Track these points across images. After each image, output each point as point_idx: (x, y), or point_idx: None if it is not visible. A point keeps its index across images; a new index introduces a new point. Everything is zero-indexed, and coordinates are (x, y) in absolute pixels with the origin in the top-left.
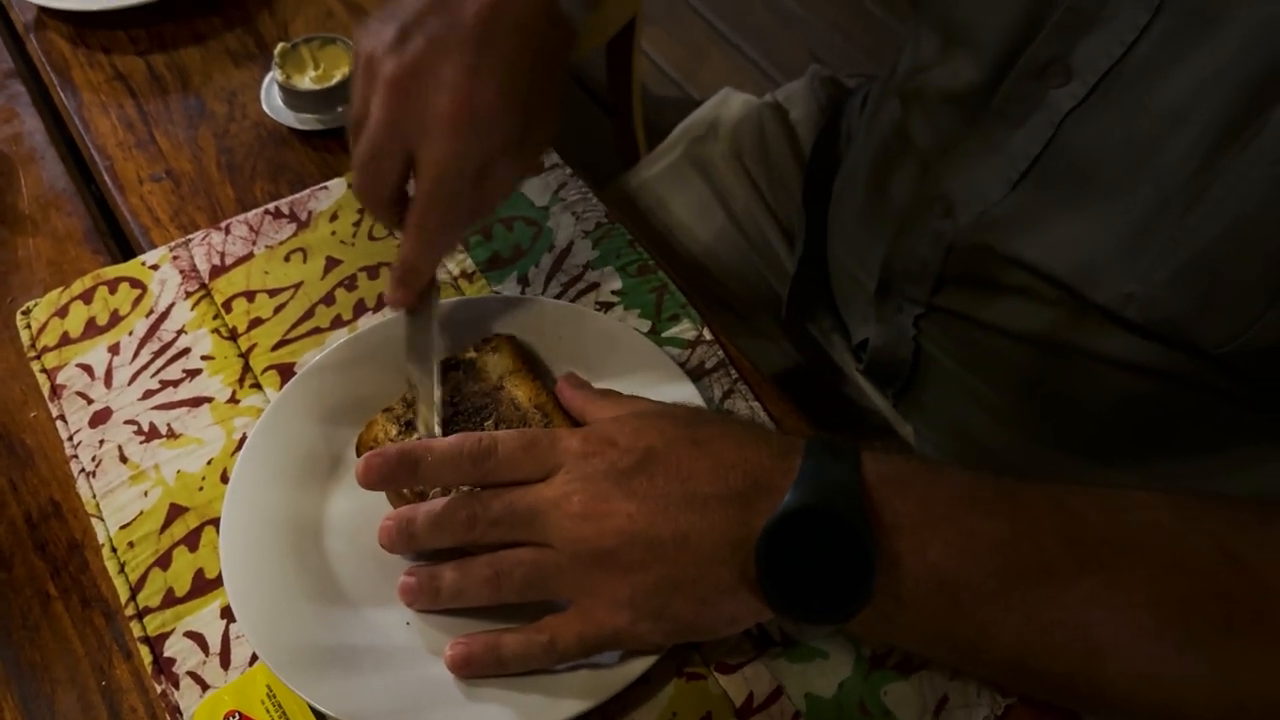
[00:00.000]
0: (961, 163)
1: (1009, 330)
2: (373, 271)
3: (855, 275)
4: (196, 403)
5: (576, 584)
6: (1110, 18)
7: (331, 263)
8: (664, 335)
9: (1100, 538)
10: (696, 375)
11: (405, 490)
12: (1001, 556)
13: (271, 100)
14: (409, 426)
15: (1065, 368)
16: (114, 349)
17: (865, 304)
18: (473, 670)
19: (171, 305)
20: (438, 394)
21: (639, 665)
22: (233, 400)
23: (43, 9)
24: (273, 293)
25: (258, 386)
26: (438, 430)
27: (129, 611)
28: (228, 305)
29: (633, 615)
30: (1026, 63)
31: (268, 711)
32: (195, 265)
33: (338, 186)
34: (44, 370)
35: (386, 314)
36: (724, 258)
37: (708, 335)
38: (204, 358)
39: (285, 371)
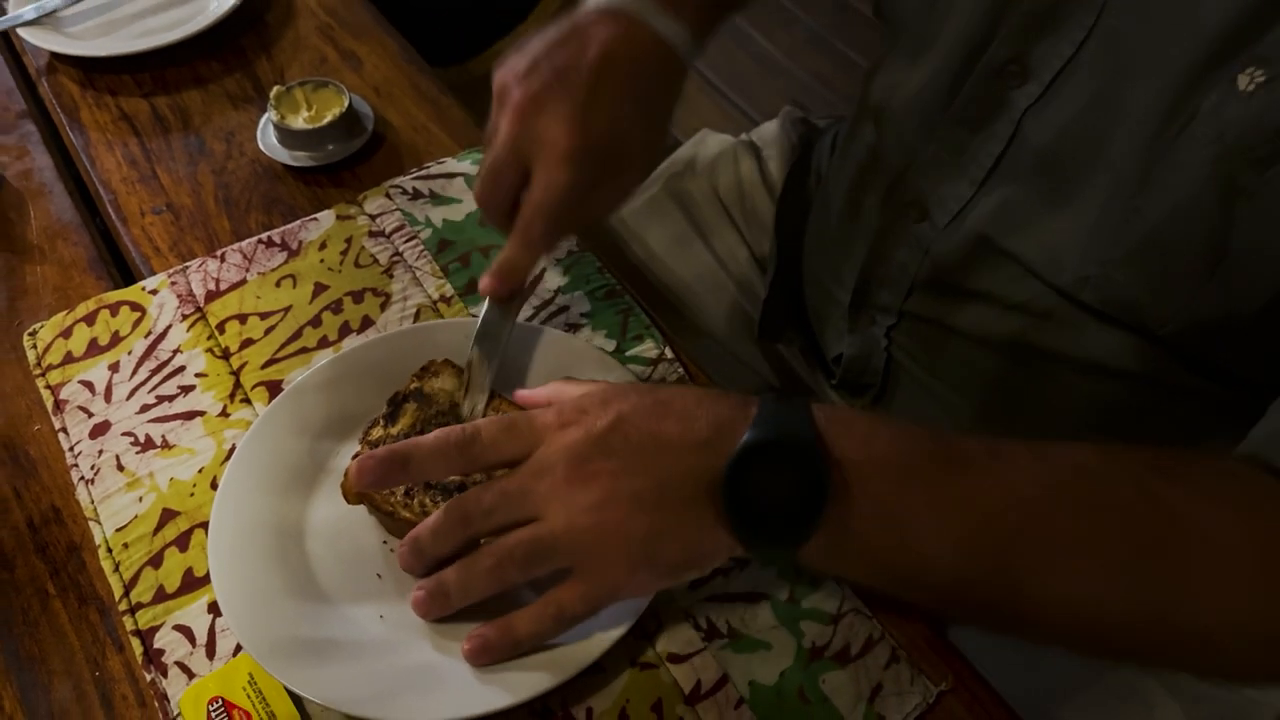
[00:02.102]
0: (931, 168)
1: (977, 335)
2: (357, 296)
3: (830, 292)
4: (190, 416)
5: (573, 549)
6: (1061, 20)
7: (319, 288)
8: (628, 354)
9: (1030, 477)
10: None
11: (381, 504)
12: (938, 490)
13: (267, 139)
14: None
15: (1031, 373)
16: (114, 367)
17: (840, 318)
18: (492, 657)
19: (169, 327)
20: (489, 380)
21: (595, 649)
22: (224, 414)
23: (55, 54)
24: (264, 315)
25: (247, 401)
26: (480, 410)
27: (122, 607)
28: (221, 327)
29: (629, 566)
30: (985, 66)
31: (249, 697)
32: (192, 290)
33: (326, 218)
34: (48, 386)
35: (369, 335)
36: (699, 286)
37: (669, 354)
38: (198, 375)
39: (273, 388)
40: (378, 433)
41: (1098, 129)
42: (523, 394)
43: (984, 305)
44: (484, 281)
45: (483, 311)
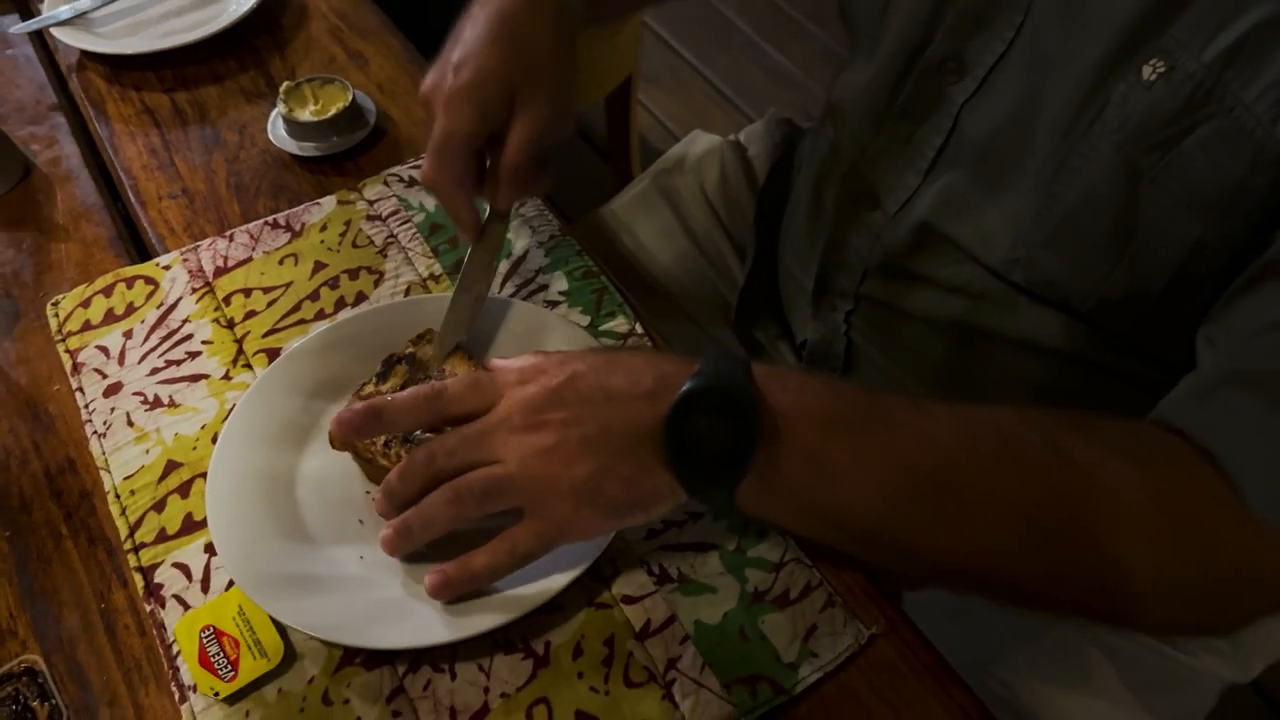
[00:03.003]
0: (880, 160)
1: (924, 318)
2: (353, 273)
3: (799, 280)
4: (195, 379)
5: (525, 487)
6: (992, 19)
7: (318, 266)
8: (600, 328)
9: (948, 430)
10: None
11: (362, 452)
12: (861, 438)
13: (276, 131)
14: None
15: (973, 353)
16: (128, 334)
17: (805, 305)
18: (452, 591)
19: (179, 299)
20: (464, 321)
21: (552, 587)
22: (226, 377)
23: (85, 52)
24: (266, 290)
25: (249, 366)
26: (443, 353)
27: (127, 547)
28: (227, 300)
29: (575, 504)
30: (926, 63)
31: (237, 626)
32: (202, 266)
33: (328, 203)
34: (67, 351)
35: (362, 309)
36: (683, 275)
37: (639, 329)
38: (204, 342)
39: (273, 355)
40: (369, 389)
41: (1025, 121)
42: (496, 362)
43: (929, 289)
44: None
45: (469, 246)
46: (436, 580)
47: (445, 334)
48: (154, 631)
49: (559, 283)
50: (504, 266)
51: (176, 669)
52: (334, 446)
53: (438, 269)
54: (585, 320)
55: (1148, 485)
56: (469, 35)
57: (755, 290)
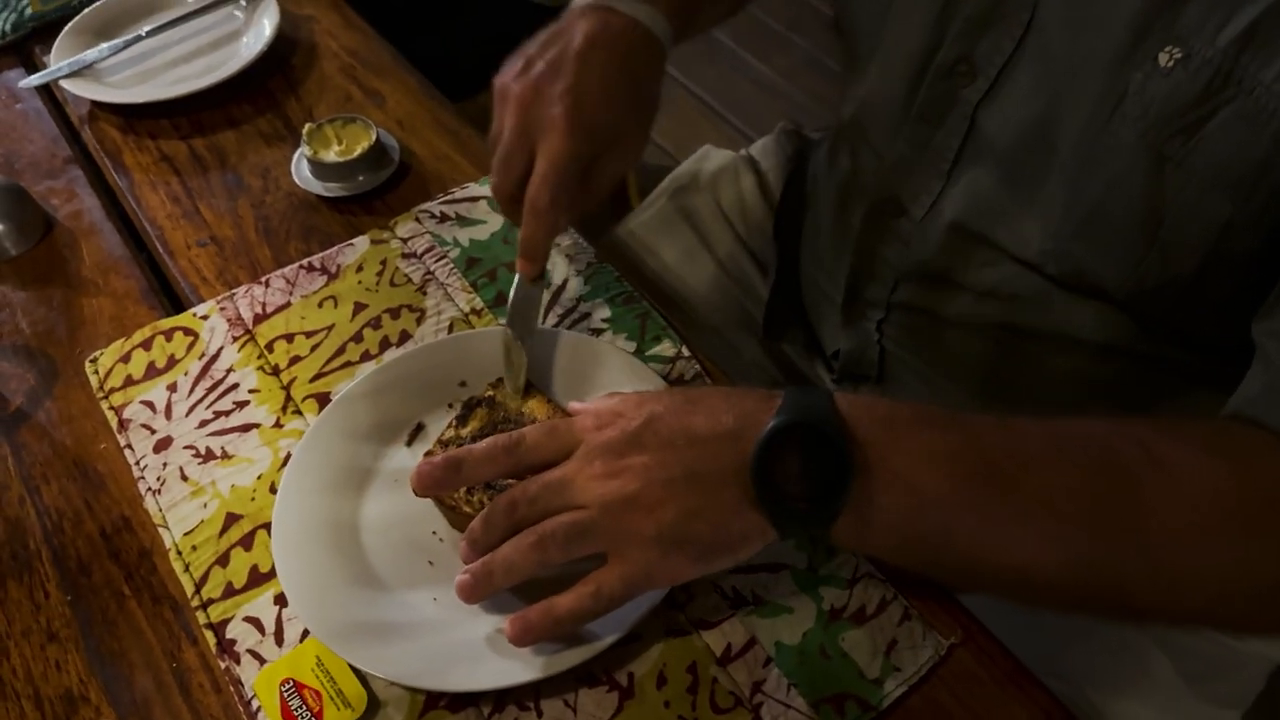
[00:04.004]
0: (901, 167)
1: (959, 321)
2: (394, 312)
3: (826, 292)
4: (246, 428)
5: (609, 532)
6: (1000, 20)
7: (359, 307)
8: (648, 354)
9: (1040, 447)
10: (678, 385)
11: (445, 500)
12: (955, 464)
13: (301, 172)
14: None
15: (1012, 353)
16: (172, 387)
17: (835, 316)
18: (534, 636)
19: (221, 349)
20: (524, 359)
21: (629, 619)
22: (277, 425)
23: (95, 103)
24: (309, 334)
25: (298, 413)
26: (520, 386)
27: (194, 603)
28: (270, 346)
29: (662, 549)
30: (937, 68)
31: (317, 677)
32: (240, 314)
33: (361, 243)
34: (111, 408)
35: (408, 348)
36: (710, 295)
37: (686, 352)
38: (251, 391)
39: (322, 399)
40: (449, 433)
41: (1042, 116)
42: (575, 406)
43: (962, 291)
44: (518, 263)
45: (511, 295)
46: (518, 626)
47: (513, 377)
48: (231, 688)
49: (602, 310)
50: (547, 296)
51: None
52: (417, 494)
53: (479, 303)
54: (631, 346)
55: (1246, 488)
56: (590, 65)
57: (780, 305)
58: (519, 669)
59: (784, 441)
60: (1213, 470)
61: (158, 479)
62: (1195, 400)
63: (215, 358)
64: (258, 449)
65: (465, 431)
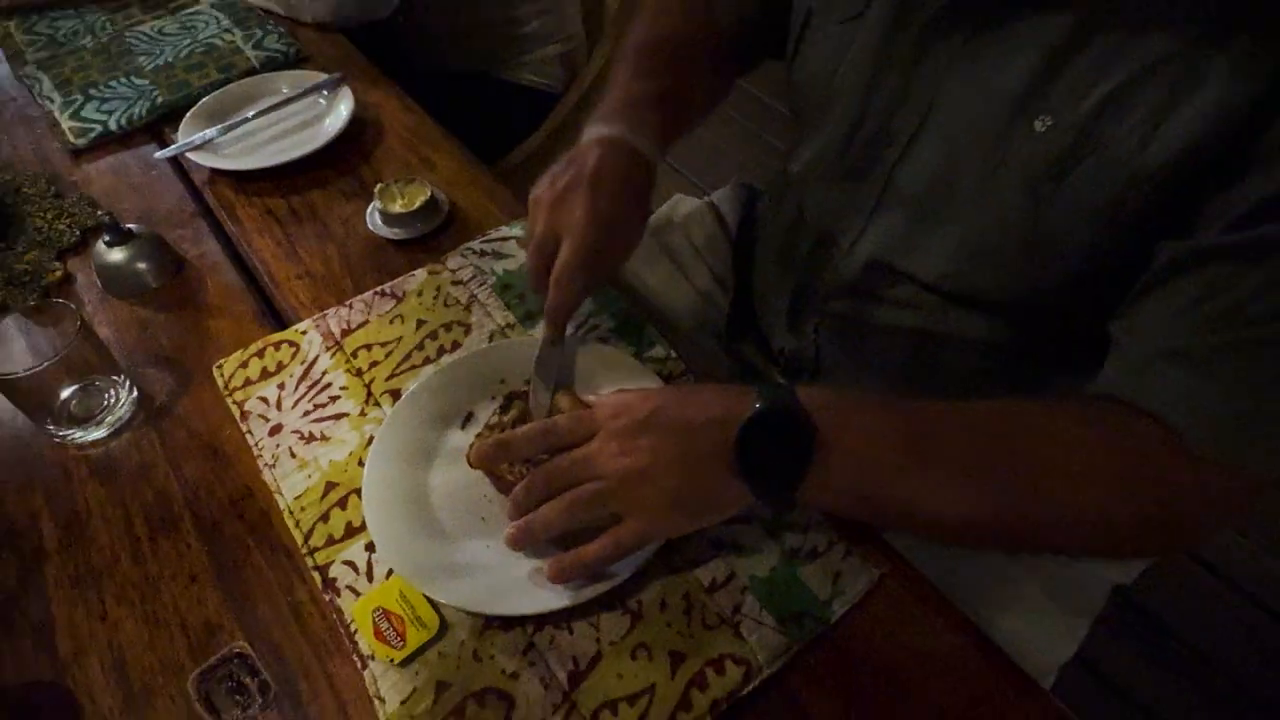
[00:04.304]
0: (834, 210)
1: (876, 327)
2: (448, 327)
3: (774, 305)
4: (338, 417)
5: (624, 498)
6: (910, 99)
7: (420, 323)
8: (645, 356)
9: (954, 422)
10: (667, 380)
11: (493, 470)
12: (887, 440)
13: (373, 221)
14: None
15: (918, 351)
16: (281, 386)
17: (781, 324)
18: (567, 576)
19: (317, 356)
20: (548, 402)
21: (640, 558)
22: (362, 414)
23: (213, 170)
24: (383, 344)
25: (377, 404)
26: (545, 409)
27: (303, 551)
28: (354, 354)
29: (664, 511)
30: (862, 136)
31: (400, 605)
32: (331, 330)
33: (421, 274)
34: (234, 402)
35: (459, 354)
36: (684, 309)
37: (674, 355)
38: (341, 388)
39: (395, 394)
40: (494, 419)
41: (943, 170)
42: (594, 399)
43: (879, 305)
44: (544, 326)
45: (538, 347)
46: (556, 568)
47: (539, 411)
48: (333, 616)
49: (607, 322)
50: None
51: (356, 644)
52: (472, 466)
53: (512, 319)
54: (633, 350)
55: (1113, 445)
56: (604, 188)
57: (737, 315)
58: (555, 598)
59: (759, 427)
60: (1086, 435)
61: (272, 456)
62: (1055, 383)
63: (313, 363)
64: (348, 433)
65: (506, 418)
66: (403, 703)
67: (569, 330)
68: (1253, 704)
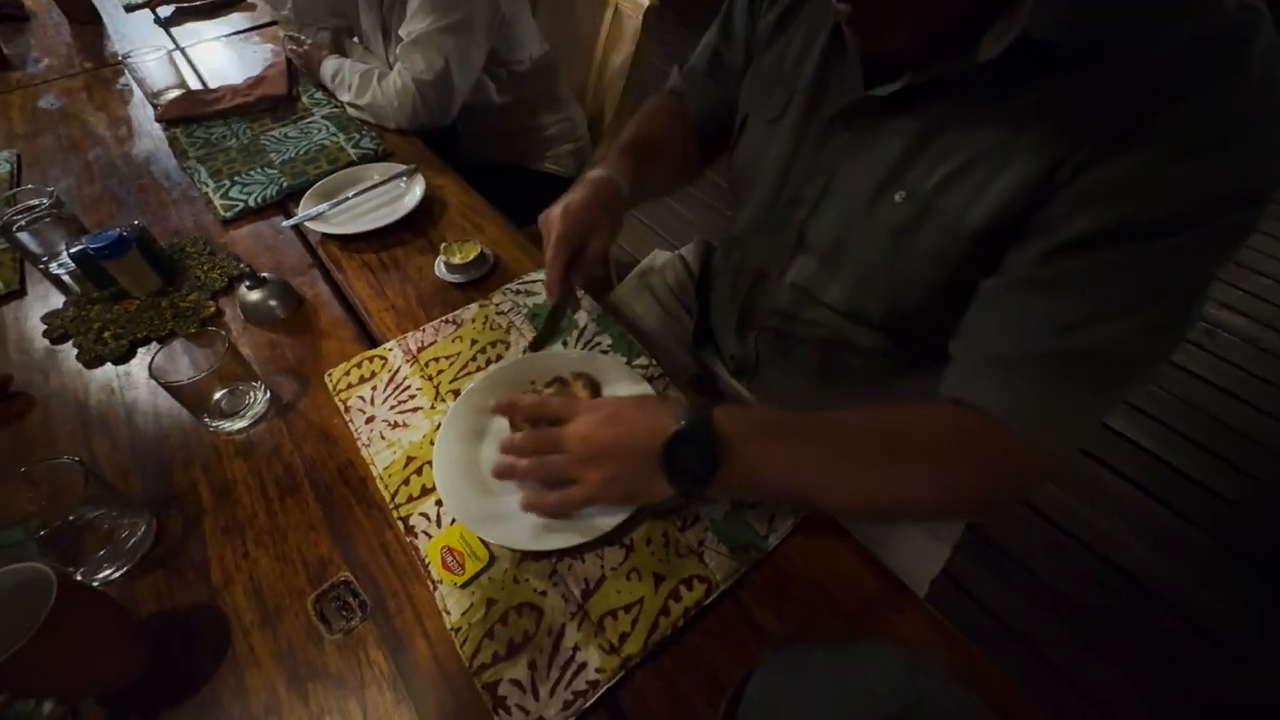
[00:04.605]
0: (765, 256)
1: (798, 337)
2: (493, 344)
3: (726, 324)
4: (415, 410)
5: (581, 471)
6: (814, 175)
7: (474, 342)
8: (634, 364)
9: (826, 427)
10: (651, 382)
11: (516, 427)
12: (777, 450)
13: (439, 270)
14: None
15: (828, 355)
16: (374, 388)
17: (731, 336)
18: (533, 509)
19: (400, 367)
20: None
21: (625, 514)
22: (432, 407)
23: (324, 234)
24: (448, 357)
25: (443, 400)
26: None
27: (390, 506)
28: (426, 364)
29: (607, 485)
30: (781, 202)
31: (462, 543)
32: (410, 347)
33: (473, 308)
34: (340, 400)
35: (501, 364)
36: (661, 330)
37: (654, 363)
38: (417, 389)
39: (456, 392)
40: (542, 389)
41: (837, 227)
42: (583, 399)
43: (799, 321)
44: (546, 289)
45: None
46: (527, 500)
47: (543, 332)
48: (412, 553)
49: (606, 339)
50: (575, 334)
51: (428, 572)
52: (493, 411)
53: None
54: (625, 359)
55: (955, 437)
56: (576, 196)
57: (699, 333)
58: (572, 538)
59: (680, 441)
60: (935, 431)
61: (367, 439)
62: (915, 378)
63: (396, 371)
64: (422, 420)
65: (550, 390)
66: (463, 613)
67: (576, 346)
68: (1064, 602)
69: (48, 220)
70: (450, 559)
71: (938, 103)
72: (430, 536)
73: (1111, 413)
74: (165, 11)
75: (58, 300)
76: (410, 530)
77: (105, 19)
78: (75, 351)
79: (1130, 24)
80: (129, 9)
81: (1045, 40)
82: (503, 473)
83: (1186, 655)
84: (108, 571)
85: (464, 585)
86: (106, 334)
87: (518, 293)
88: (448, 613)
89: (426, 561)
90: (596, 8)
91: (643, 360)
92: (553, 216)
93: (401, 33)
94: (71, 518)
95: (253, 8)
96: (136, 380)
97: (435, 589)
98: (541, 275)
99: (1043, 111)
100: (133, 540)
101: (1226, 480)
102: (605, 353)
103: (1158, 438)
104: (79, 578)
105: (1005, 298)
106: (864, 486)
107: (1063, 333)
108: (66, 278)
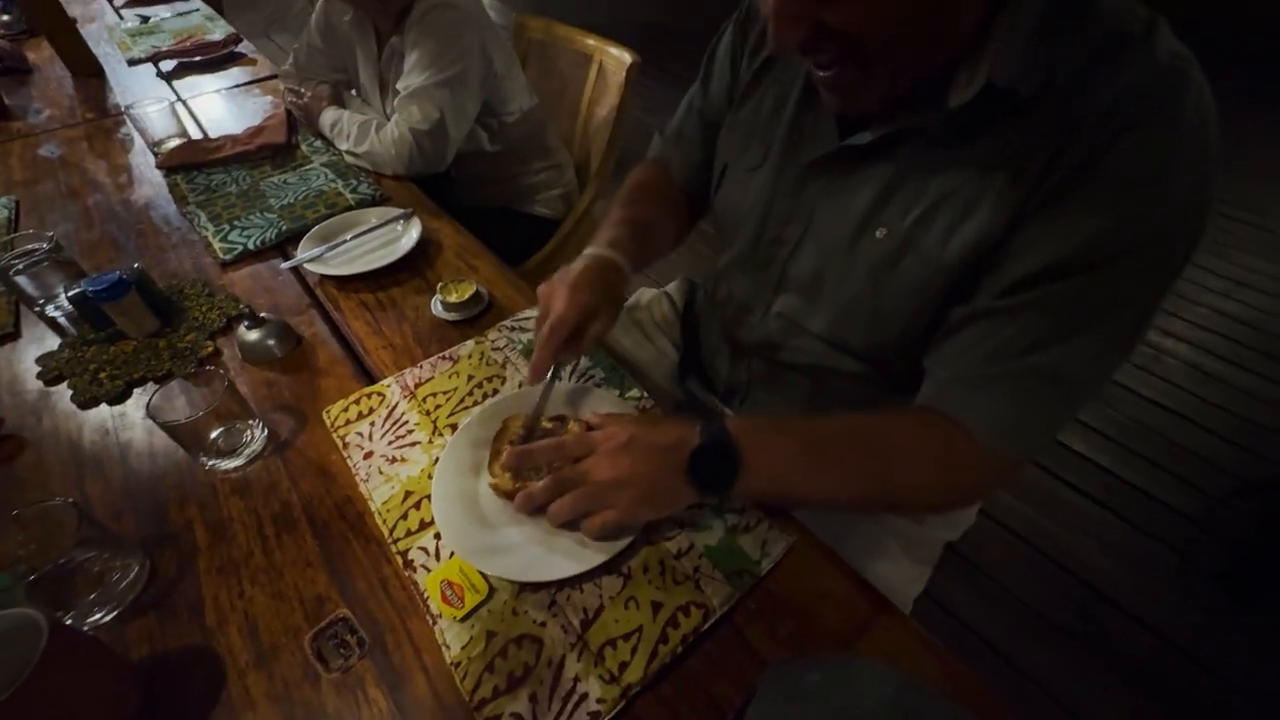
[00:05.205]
0: (751, 290)
1: (786, 364)
2: (489, 379)
3: (719, 353)
4: (413, 444)
5: (606, 498)
6: (794, 217)
7: (470, 377)
8: (626, 395)
9: (828, 434)
10: (640, 410)
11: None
12: (788, 452)
13: (436, 308)
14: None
15: (814, 380)
16: (372, 424)
17: (726, 365)
18: (573, 524)
19: (398, 402)
20: (534, 423)
21: (625, 542)
22: (430, 442)
23: (323, 275)
24: (445, 392)
25: (441, 434)
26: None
27: (389, 541)
28: (424, 400)
29: (638, 505)
30: (764, 241)
31: (461, 576)
32: (407, 383)
33: (469, 344)
34: (338, 436)
35: (497, 398)
36: (649, 363)
37: (646, 395)
38: (415, 424)
39: (453, 426)
40: (499, 443)
41: (819, 262)
42: (592, 417)
43: (786, 350)
44: (528, 377)
45: (534, 393)
46: (582, 527)
47: (534, 414)
48: (411, 587)
49: (599, 372)
50: (569, 368)
51: (427, 606)
52: (507, 467)
53: None
54: (616, 391)
55: (930, 440)
56: (579, 276)
57: (685, 365)
58: (570, 567)
59: (705, 453)
60: (915, 434)
61: (365, 474)
62: (891, 398)
63: (394, 407)
64: (420, 455)
65: (501, 434)
66: (463, 647)
67: (571, 380)
68: (1039, 618)
69: (46, 264)
70: (449, 592)
71: (908, 147)
72: (429, 570)
73: (1066, 424)
74: (168, 65)
75: (53, 343)
76: (409, 565)
77: (108, 73)
78: (70, 393)
79: (1079, 73)
80: (132, 63)
81: (1007, 88)
82: (525, 506)
83: (1160, 669)
84: (99, 615)
85: (463, 619)
86: (102, 374)
87: (513, 329)
88: (447, 647)
89: (425, 596)
90: (581, 64)
91: (634, 393)
92: (554, 295)
93: (399, 86)
94: (63, 561)
95: (254, 62)
96: (132, 420)
97: (434, 623)
98: (534, 312)
99: (1005, 154)
100: (125, 582)
101: (1184, 497)
102: (599, 385)
103: (1117, 458)
104: (69, 622)
105: (971, 324)
106: (858, 481)
107: (1020, 355)
108: (63, 320)
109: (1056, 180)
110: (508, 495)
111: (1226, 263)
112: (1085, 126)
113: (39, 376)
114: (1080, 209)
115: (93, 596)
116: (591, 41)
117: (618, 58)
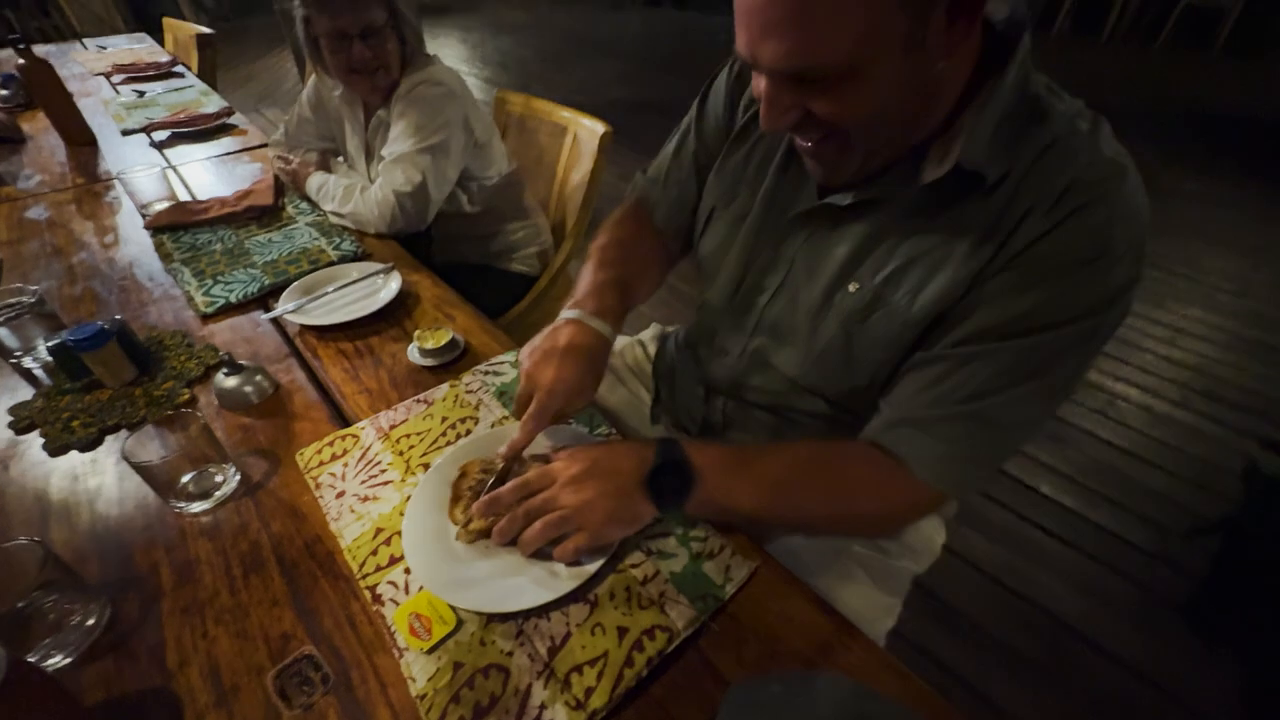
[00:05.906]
0: (729, 332)
1: (757, 403)
2: (463, 420)
3: (691, 393)
4: (385, 483)
5: (579, 520)
6: (774, 267)
7: (444, 419)
8: (595, 431)
9: (779, 460)
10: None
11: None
12: (738, 477)
13: (412, 355)
14: (484, 473)
15: (780, 419)
16: (345, 465)
17: (698, 404)
18: (563, 556)
19: (372, 444)
20: (502, 468)
21: (593, 568)
22: (402, 480)
23: (303, 325)
24: (419, 434)
25: (413, 473)
26: (499, 465)
27: (358, 577)
28: (398, 441)
29: (604, 525)
30: (744, 287)
31: (429, 609)
32: (382, 425)
33: (444, 388)
34: (311, 478)
35: (470, 438)
36: (621, 405)
37: (614, 433)
38: (388, 464)
39: (426, 466)
40: (462, 489)
41: (795, 311)
42: (554, 459)
43: (757, 391)
44: (502, 449)
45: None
46: (562, 553)
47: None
48: (379, 621)
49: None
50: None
51: (394, 639)
52: (481, 513)
53: (504, 413)
54: (587, 429)
55: (873, 471)
56: (568, 356)
57: (656, 407)
58: (536, 597)
59: (662, 472)
60: (863, 466)
61: (337, 514)
62: (843, 434)
63: (368, 449)
64: (392, 494)
65: (464, 481)
66: (429, 679)
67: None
68: (1010, 652)
69: (27, 316)
70: (417, 624)
71: (883, 212)
72: (397, 604)
73: (996, 466)
74: (161, 136)
75: (26, 393)
76: (377, 599)
77: (101, 142)
78: (41, 441)
79: (1036, 162)
80: (126, 133)
81: (974, 170)
82: (503, 538)
83: (1128, 699)
84: (56, 658)
85: (430, 650)
86: (75, 422)
87: (486, 373)
88: (413, 680)
89: (393, 629)
90: (557, 133)
91: (603, 430)
92: (541, 371)
93: (384, 153)
94: (21, 604)
95: (244, 132)
96: (103, 466)
97: (401, 656)
98: (509, 357)
99: (969, 226)
100: (84, 625)
101: (1145, 534)
102: (568, 423)
103: (1081, 499)
104: None
105: (922, 370)
106: (805, 503)
107: (962, 401)
108: (38, 371)
109: (1011, 253)
110: (471, 540)
111: (1166, 312)
112: (1039, 209)
113: (10, 425)
114: (1029, 280)
115: (49, 640)
116: (567, 114)
117: (591, 128)
